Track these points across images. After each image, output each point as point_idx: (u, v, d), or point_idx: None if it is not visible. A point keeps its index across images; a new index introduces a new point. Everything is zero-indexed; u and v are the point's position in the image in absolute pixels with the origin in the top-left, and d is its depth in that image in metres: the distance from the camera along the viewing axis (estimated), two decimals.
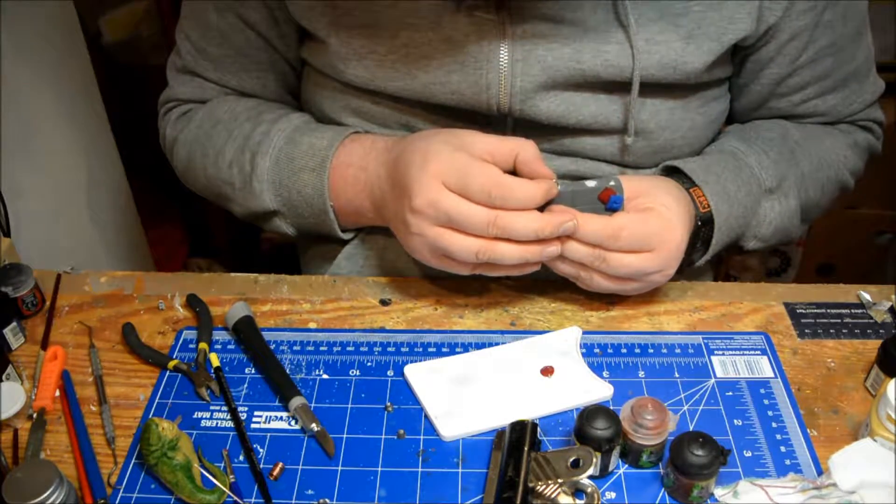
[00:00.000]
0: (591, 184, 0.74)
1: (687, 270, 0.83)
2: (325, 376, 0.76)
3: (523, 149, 0.73)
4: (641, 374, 0.76)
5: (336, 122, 0.87)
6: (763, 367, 0.77)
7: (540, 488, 0.62)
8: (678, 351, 0.78)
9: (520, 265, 0.73)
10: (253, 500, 0.66)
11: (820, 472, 0.67)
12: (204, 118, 0.91)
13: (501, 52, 0.78)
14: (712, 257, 0.84)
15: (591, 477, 0.63)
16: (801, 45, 0.84)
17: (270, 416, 0.73)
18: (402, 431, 0.71)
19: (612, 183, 0.74)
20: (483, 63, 0.78)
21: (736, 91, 0.91)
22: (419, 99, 0.81)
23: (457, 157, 0.71)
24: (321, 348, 0.79)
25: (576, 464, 0.63)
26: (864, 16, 0.86)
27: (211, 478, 0.66)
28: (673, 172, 0.84)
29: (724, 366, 0.77)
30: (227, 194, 0.89)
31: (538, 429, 0.67)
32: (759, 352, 0.78)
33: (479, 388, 0.74)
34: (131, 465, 0.69)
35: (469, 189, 0.70)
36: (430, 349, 0.79)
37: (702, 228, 0.80)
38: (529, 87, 0.79)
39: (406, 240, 0.76)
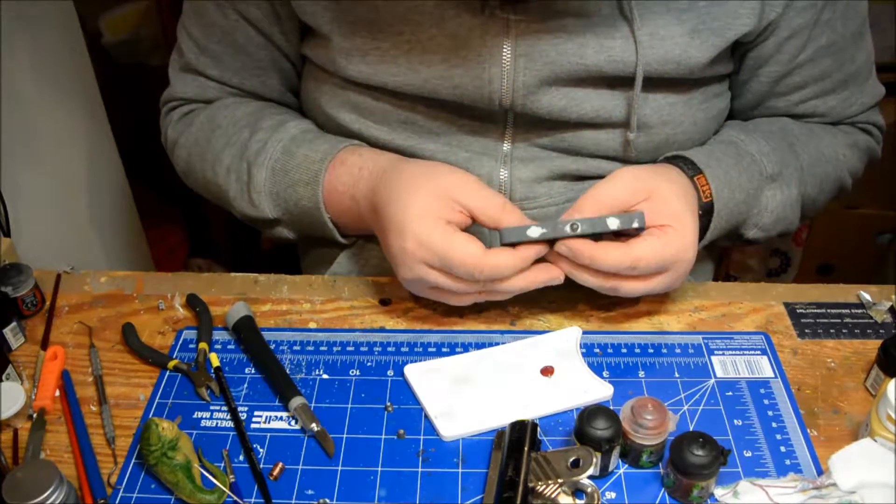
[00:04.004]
0: (613, 224, 0.72)
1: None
2: (325, 376, 0.76)
3: (504, 222, 0.74)
4: (641, 374, 0.76)
5: (334, 118, 0.87)
6: (763, 367, 0.77)
7: (540, 488, 0.62)
8: (678, 351, 0.78)
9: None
10: (253, 500, 0.66)
11: (820, 472, 0.67)
12: (204, 122, 0.91)
13: (505, 46, 0.78)
14: (714, 257, 0.84)
15: (591, 477, 0.63)
16: (799, 43, 0.84)
17: (270, 416, 0.73)
18: (402, 431, 0.71)
19: (635, 225, 0.72)
20: (486, 58, 0.78)
21: (736, 89, 0.91)
22: (421, 94, 0.81)
23: (435, 236, 0.72)
24: (321, 348, 0.79)
25: (576, 464, 0.63)
26: (863, 17, 0.86)
27: (211, 478, 0.66)
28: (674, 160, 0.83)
29: (724, 366, 0.77)
30: (227, 199, 0.89)
31: (538, 429, 0.67)
32: (759, 352, 0.78)
33: (479, 388, 0.74)
34: (131, 465, 0.69)
35: (453, 271, 0.73)
36: (430, 349, 0.79)
37: (703, 218, 0.80)
38: (532, 82, 0.79)
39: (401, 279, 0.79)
